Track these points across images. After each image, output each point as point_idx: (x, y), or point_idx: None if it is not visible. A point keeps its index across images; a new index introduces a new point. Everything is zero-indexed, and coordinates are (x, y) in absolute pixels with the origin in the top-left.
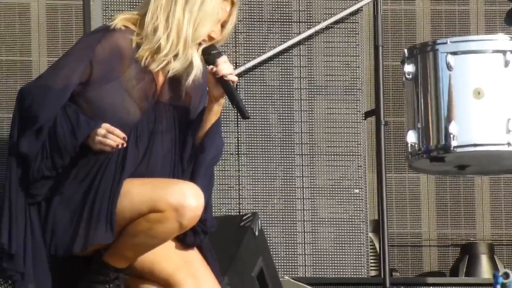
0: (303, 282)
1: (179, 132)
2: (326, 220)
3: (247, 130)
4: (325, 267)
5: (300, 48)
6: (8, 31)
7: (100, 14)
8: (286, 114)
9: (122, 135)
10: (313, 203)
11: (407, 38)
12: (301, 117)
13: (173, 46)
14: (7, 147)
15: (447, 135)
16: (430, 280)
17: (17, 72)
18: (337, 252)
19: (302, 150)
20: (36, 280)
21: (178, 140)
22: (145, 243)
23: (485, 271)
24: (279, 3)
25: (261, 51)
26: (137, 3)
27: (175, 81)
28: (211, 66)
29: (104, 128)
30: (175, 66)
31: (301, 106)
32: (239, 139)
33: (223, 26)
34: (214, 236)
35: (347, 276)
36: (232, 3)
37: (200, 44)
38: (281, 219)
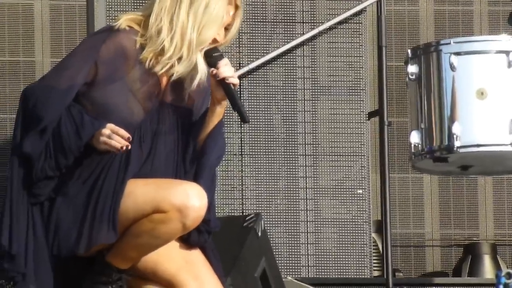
0: (306, 282)
1: (181, 133)
2: (329, 220)
3: (250, 131)
4: (328, 267)
5: (303, 49)
6: (12, 32)
7: (104, 15)
8: (290, 115)
9: (127, 135)
10: (316, 203)
11: (410, 38)
12: (305, 118)
13: (177, 48)
14: (10, 148)
15: (451, 135)
16: (433, 280)
17: (20, 73)
18: (340, 252)
19: (305, 151)
20: (38, 281)
21: (181, 141)
22: (148, 244)
23: (488, 271)
24: (282, 4)
25: (265, 51)
26: (140, 4)
27: (179, 83)
28: (212, 69)
29: (109, 128)
30: (179, 70)
31: (304, 107)
32: (243, 139)
33: (227, 29)
34: (217, 237)
35: (350, 276)
36: (236, 7)
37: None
38: (284, 219)
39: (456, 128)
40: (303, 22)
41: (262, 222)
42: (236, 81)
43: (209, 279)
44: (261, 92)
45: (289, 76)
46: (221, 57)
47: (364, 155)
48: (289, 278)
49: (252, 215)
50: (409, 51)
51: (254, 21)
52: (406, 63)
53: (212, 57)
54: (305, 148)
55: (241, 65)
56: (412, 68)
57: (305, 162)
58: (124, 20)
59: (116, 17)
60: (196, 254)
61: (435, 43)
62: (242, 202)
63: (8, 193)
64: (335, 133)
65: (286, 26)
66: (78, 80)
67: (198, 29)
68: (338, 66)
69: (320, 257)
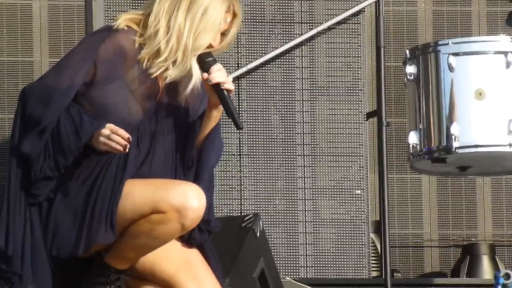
0: (304, 283)
1: (179, 133)
2: (328, 221)
3: (248, 131)
4: (327, 268)
5: (302, 49)
6: (10, 32)
7: (102, 15)
8: (288, 115)
9: (127, 135)
10: (314, 204)
11: (409, 39)
12: (303, 118)
13: (172, 51)
14: (8, 148)
15: (449, 136)
16: (432, 281)
17: (18, 73)
18: (338, 253)
19: (304, 151)
20: (36, 281)
21: (179, 142)
22: (147, 244)
23: (486, 271)
24: (281, 4)
25: (263, 52)
26: (139, 4)
27: (176, 83)
28: (204, 73)
29: (108, 128)
30: (173, 73)
31: (303, 107)
32: (241, 140)
33: (224, 34)
34: (215, 237)
35: (348, 277)
36: (234, 15)
37: None
38: (283, 220)
39: (454, 129)
40: (301, 23)
41: (261, 222)
42: (230, 87)
43: (208, 279)
44: (259, 92)
45: (288, 77)
46: (214, 62)
47: (362, 156)
48: (288, 278)
49: (250, 216)
50: (407, 51)
51: (252, 22)
52: (405, 63)
53: (205, 62)
54: (304, 148)
55: (239, 65)
56: (411, 69)
57: (304, 162)
58: (123, 20)
59: (114, 17)
60: (195, 255)
61: (434, 44)
62: (241, 203)
63: (5, 193)
64: (334, 133)
65: (285, 27)
66: (77, 80)
67: (194, 34)
68: (336, 67)
69: (319, 257)
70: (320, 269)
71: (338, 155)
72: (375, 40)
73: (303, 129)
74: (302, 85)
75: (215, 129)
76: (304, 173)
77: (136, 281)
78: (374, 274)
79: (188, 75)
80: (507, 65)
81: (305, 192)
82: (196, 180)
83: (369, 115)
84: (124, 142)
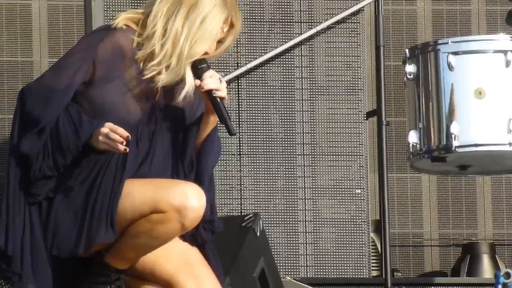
0: (304, 282)
1: (178, 134)
2: (328, 220)
3: (248, 131)
4: (327, 267)
5: (301, 49)
6: (9, 32)
7: (102, 15)
8: (288, 115)
9: (126, 134)
10: (314, 203)
11: (408, 38)
12: (303, 118)
13: (166, 56)
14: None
15: (449, 135)
16: (432, 280)
17: (18, 73)
18: (338, 252)
19: (303, 150)
20: (36, 281)
21: (178, 142)
22: (147, 244)
23: (486, 271)
24: (280, 4)
25: (263, 51)
26: (138, 4)
27: (173, 86)
28: (196, 80)
29: (108, 127)
30: (165, 78)
31: (302, 107)
32: (241, 139)
33: (220, 41)
34: (215, 236)
35: (348, 276)
36: (232, 26)
37: None
38: (283, 219)
39: (454, 128)
40: (301, 22)
41: (261, 222)
42: (221, 94)
43: (208, 279)
44: (259, 92)
45: (287, 76)
46: (207, 68)
47: (362, 155)
48: (288, 278)
49: (250, 215)
50: (407, 50)
51: (252, 21)
52: (404, 62)
53: (198, 69)
54: (303, 147)
55: (239, 65)
56: (410, 68)
57: (304, 161)
58: (122, 19)
59: (113, 17)
60: (195, 254)
61: (433, 43)
62: (241, 202)
63: (4, 193)
64: (333, 132)
65: (284, 26)
66: (76, 79)
67: (191, 42)
68: (336, 66)
69: (319, 257)
70: (320, 268)
71: (338, 155)
72: (375, 39)
73: (303, 129)
74: (302, 85)
75: (213, 132)
76: (304, 173)
77: (136, 280)
78: (374, 273)
79: (182, 81)
80: (507, 64)
81: (305, 192)
82: (196, 181)
83: (369, 114)
84: (123, 141)
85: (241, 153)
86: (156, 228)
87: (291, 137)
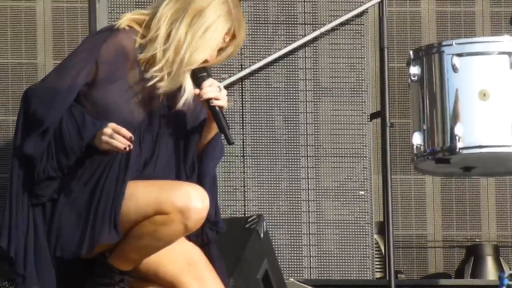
0: (308, 284)
1: (181, 137)
2: (332, 222)
3: (252, 132)
4: (330, 269)
5: (305, 50)
6: (14, 34)
7: (106, 17)
8: (292, 116)
9: (129, 134)
10: (318, 205)
11: (412, 39)
12: (307, 119)
13: (168, 62)
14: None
15: (453, 136)
16: (436, 282)
17: (23, 74)
18: (342, 254)
19: (307, 152)
20: (40, 282)
21: (181, 145)
22: (150, 245)
23: (490, 272)
24: (284, 5)
25: (267, 53)
26: (142, 5)
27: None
28: (196, 89)
29: (111, 127)
30: (164, 85)
31: (306, 108)
32: (244, 141)
33: (221, 49)
34: (219, 238)
35: (352, 278)
36: (234, 37)
37: None
38: (286, 221)
39: (458, 129)
40: (304, 24)
41: (264, 223)
42: (220, 103)
43: (212, 280)
44: (263, 93)
45: (291, 78)
46: (207, 77)
47: (366, 157)
48: (291, 279)
49: (254, 217)
50: (411, 52)
51: (255, 23)
52: (408, 64)
53: (198, 78)
54: (307, 149)
55: (243, 66)
56: (414, 70)
57: (307, 163)
58: (125, 20)
59: (118, 19)
60: (199, 256)
61: (437, 45)
62: (244, 204)
63: (8, 194)
64: (337, 134)
65: (288, 28)
66: (79, 80)
67: (191, 50)
68: (340, 68)
69: (322, 258)
70: (323, 270)
71: (342, 156)
72: (379, 41)
73: (307, 130)
74: (306, 86)
75: (217, 136)
76: (308, 174)
77: (140, 282)
78: (378, 275)
79: (183, 88)
80: (511, 66)
81: (308, 193)
82: (199, 183)
83: (373, 116)
84: (126, 142)
85: (245, 154)
86: (160, 230)
87: (295, 138)
